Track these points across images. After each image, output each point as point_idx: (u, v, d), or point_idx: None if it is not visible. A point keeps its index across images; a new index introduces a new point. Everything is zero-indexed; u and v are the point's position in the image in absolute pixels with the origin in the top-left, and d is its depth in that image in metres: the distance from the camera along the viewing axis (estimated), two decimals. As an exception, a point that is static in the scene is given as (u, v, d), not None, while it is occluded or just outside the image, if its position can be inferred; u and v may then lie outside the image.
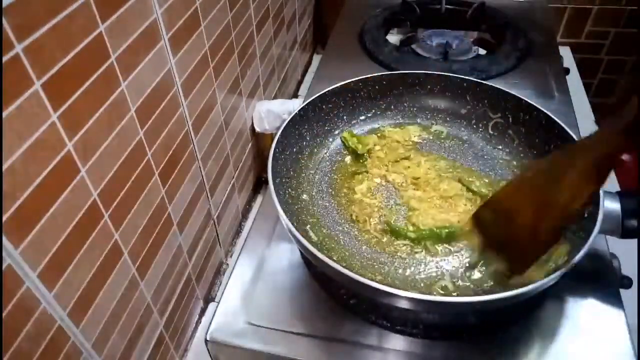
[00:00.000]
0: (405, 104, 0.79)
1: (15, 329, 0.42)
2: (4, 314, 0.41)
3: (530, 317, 0.58)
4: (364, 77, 0.76)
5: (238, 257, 0.66)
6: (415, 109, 0.79)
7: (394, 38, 1.11)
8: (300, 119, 0.71)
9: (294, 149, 0.70)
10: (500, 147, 0.74)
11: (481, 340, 0.56)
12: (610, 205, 0.55)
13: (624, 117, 0.42)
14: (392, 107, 0.79)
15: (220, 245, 0.90)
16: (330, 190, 0.69)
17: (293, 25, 1.21)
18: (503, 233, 0.51)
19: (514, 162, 0.71)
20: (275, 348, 0.57)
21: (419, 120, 0.79)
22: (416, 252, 0.60)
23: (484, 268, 0.58)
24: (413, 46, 1.05)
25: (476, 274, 0.58)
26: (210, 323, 0.59)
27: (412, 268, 0.59)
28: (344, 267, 0.49)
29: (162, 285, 0.68)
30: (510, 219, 0.50)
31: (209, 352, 0.60)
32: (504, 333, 0.57)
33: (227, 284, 0.63)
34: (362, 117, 0.79)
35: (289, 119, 0.69)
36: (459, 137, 0.76)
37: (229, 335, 0.58)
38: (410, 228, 0.62)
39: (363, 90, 0.77)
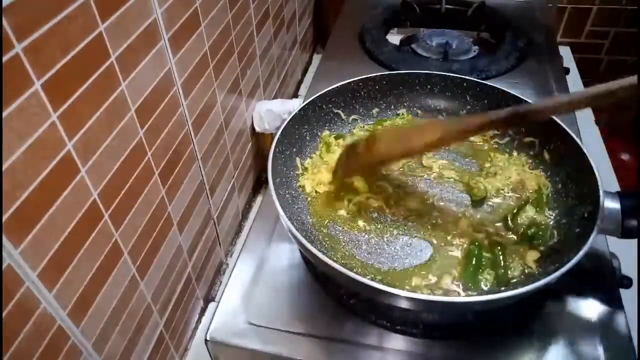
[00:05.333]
0: (405, 104, 0.79)
1: (15, 329, 0.42)
2: (4, 314, 0.41)
3: (530, 317, 0.58)
4: (364, 77, 0.76)
5: (238, 257, 0.66)
6: (415, 109, 0.79)
7: (394, 38, 1.11)
8: (301, 119, 0.71)
9: (294, 149, 0.70)
10: (500, 147, 0.74)
11: (481, 340, 0.57)
12: (610, 205, 0.55)
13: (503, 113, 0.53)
14: (392, 107, 0.79)
15: (220, 245, 0.90)
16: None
17: (293, 25, 1.21)
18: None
19: (514, 162, 0.71)
20: (275, 348, 0.57)
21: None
22: (416, 250, 0.60)
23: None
24: (413, 46, 1.05)
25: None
26: (210, 323, 0.59)
27: (413, 267, 0.59)
28: (344, 267, 0.49)
29: (162, 285, 0.68)
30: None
31: (209, 352, 0.60)
32: (504, 333, 0.57)
33: (227, 284, 0.63)
34: (362, 117, 0.79)
35: (289, 118, 0.69)
36: (459, 137, 0.77)
37: (229, 335, 0.58)
38: None
39: (363, 90, 0.77)
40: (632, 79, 0.45)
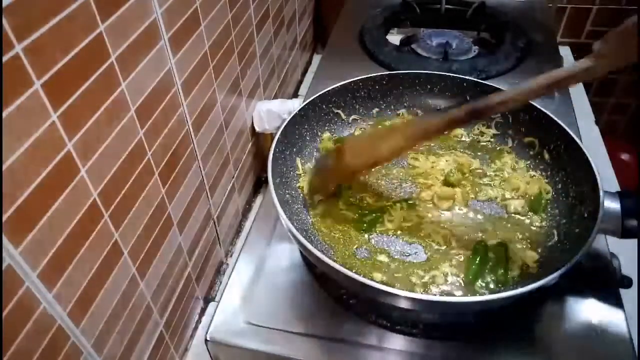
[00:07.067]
0: (405, 104, 0.79)
1: (15, 329, 0.42)
2: (4, 314, 0.41)
3: (530, 317, 0.58)
4: (364, 77, 0.76)
5: (238, 257, 0.66)
6: (415, 108, 0.79)
7: (394, 38, 1.11)
8: (301, 119, 0.71)
9: (294, 149, 0.70)
10: (500, 147, 0.74)
11: (481, 340, 0.57)
12: (610, 205, 0.55)
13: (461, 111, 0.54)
14: (392, 107, 0.79)
15: (220, 245, 0.90)
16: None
17: (293, 25, 1.21)
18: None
19: (515, 162, 0.71)
20: (275, 348, 0.57)
21: (419, 120, 0.79)
22: (417, 249, 0.60)
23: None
24: (413, 46, 1.05)
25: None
26: (210, 323, 0.59)
27: (412, 266, 0.59)
28: (344, 267, 0.49)
29: (162, 285, 0.68)
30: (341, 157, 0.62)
31: (209, 352, 0.60)
32: (504, 333, 0.57)
33: (227, 284, 0.63)
34: (362, 117, 0.79)
35: (289, 118, 0.69)
36: (459, 137, 0.77)
37: (229, 335, 0.58)
38: None
39: (363, 90, 0.77)
40: (586, 62, 0.49)
